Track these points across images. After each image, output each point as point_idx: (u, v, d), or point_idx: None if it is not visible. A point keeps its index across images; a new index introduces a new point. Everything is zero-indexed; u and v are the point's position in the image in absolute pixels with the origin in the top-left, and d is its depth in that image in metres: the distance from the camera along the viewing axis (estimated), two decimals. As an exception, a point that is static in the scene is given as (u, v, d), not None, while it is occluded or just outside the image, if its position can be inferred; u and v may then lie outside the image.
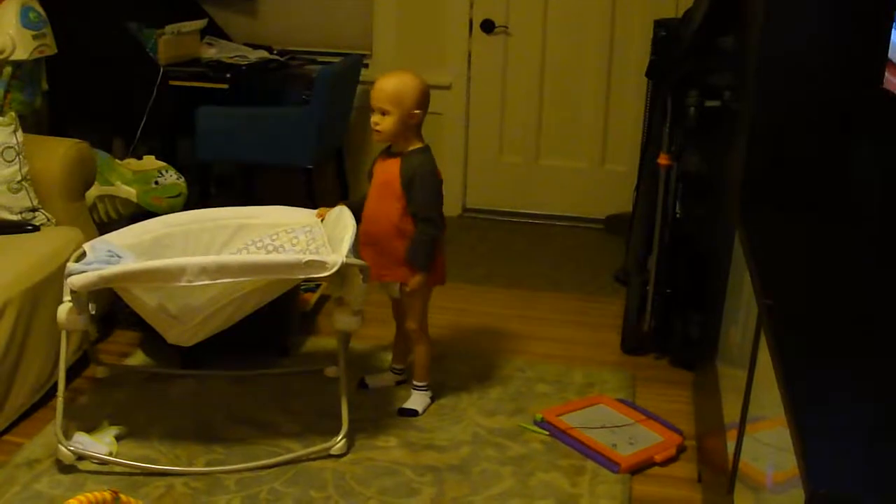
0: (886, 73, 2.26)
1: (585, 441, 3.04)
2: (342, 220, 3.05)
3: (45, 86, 4.25)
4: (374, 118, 3.03)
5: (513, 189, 5.29)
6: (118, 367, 3.46)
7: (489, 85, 5.16)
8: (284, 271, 2.79)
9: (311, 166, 4.60)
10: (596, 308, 4.13)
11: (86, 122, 4.48)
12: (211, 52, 4.88)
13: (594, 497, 2.80)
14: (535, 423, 3.17)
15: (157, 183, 4.12)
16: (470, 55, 5.12)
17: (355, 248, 2.97)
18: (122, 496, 1.89)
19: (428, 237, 3.07)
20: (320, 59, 5.10)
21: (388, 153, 3.10)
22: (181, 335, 2.92)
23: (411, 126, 3.04)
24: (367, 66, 5.10)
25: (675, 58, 3.35)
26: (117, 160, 4.19)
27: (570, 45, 5.01)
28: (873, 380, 1.69)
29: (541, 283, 4.42)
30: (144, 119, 4.56)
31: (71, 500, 1.75)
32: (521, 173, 5.26)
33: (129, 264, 2.82)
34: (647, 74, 3.61)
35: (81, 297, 2.78)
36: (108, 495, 1.86)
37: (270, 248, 3.16)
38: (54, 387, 2.95)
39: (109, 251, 2.91)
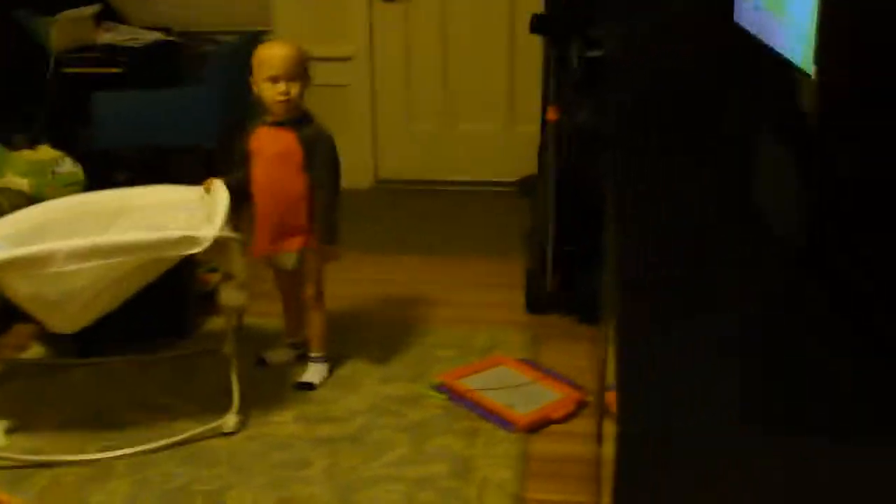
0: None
1: (482, 402, 3.03)
2: (216, 194, 3.01)
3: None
4: (283, 87, 2.98)
5: (424, 157, 5.25)
6: (12, 360, 3.40)
7: (393, 53, 5.11)
8: (157, 249, 2.75)
9: (212, 146, 4.52)
10: (504, 270, 4.10)
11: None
12: (107, 38, 4.80)
13: (489, 458, 2.79)
14: (434, 387, 3.15)
15: (53, 173, 4.05)
16: (371, 25, 5.07)
17: (246, 220, 2.94)
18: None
19: (331, 202, 3.06)
20: (220, 38, 5.02)
21: (273, 125, 3.07)
22: (63, 322, 2.87)
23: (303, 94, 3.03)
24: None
25: (556, 10, 3.33)
26: (13, 152, 4.11)
27: (471, 7, 4.97)
28: (709, 321, 1.68)
29: (452, 249, 4.40)
30: (43, 110, 4.48)
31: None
32: (431, 140, 5.23)
33: (-3, 253, 2.75)
34: (531, 30, 3.57)
35: (-45, 290, 2.72)
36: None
37: (152, 227, 3.10)
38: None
39: (-18, 242, 2.84)
